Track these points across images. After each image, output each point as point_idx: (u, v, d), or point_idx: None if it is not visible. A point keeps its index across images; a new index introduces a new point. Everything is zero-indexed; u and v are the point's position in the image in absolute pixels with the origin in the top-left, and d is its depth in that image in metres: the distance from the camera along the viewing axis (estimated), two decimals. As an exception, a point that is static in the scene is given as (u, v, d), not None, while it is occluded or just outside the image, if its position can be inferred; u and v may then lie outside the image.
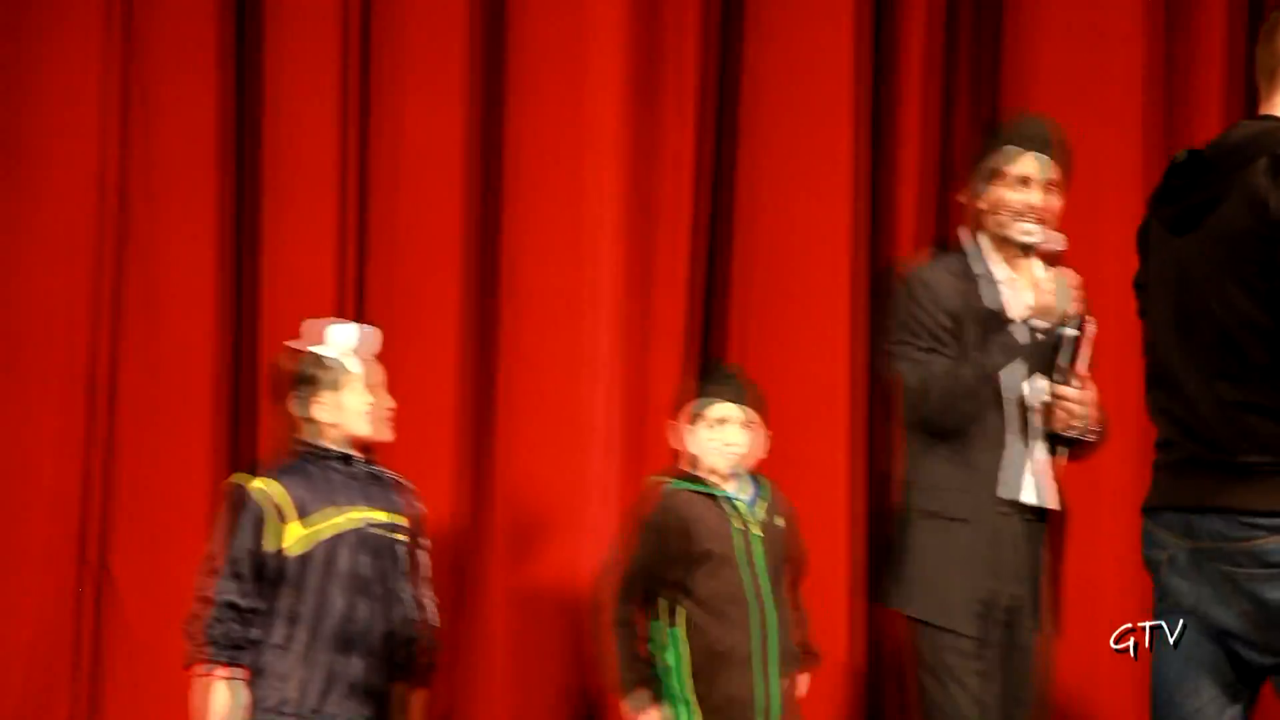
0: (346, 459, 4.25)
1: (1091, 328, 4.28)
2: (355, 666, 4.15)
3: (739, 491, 4.37)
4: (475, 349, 5.46)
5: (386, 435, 4.32)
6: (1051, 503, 4.31)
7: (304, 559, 4.13)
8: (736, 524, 4.33)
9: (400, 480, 4.37)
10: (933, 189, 5.49)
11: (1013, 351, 4.21)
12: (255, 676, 4.13)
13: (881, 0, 5.53)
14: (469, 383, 5.45)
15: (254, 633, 4.11)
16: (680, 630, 4.30)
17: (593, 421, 5.33)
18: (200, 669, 4.16)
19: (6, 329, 5.36)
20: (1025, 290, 4.28)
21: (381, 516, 4.25)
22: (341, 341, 4.32)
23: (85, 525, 5.38)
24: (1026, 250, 4.27)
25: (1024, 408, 4.29)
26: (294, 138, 5.41)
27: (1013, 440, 4.27)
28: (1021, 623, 4.29)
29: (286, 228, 5.42)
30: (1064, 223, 5.22)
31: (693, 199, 5.46)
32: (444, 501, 5.34)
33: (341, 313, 5.44)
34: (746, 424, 4.37)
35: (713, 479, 4.36)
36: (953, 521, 4.25)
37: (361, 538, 4.20)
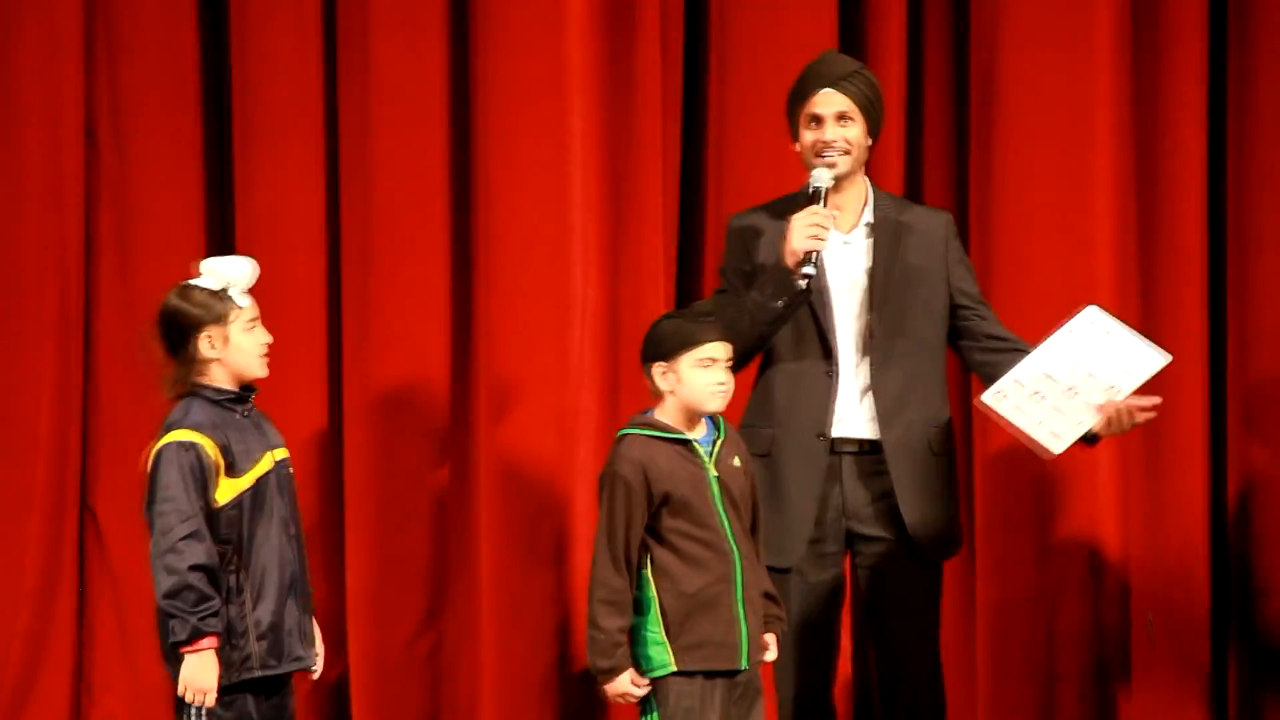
0: (240, 399, 4.10)
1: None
2: (298, 607, 4.09)
3: (695, 433, 4.32)
4: (460, 287, 5.44)
5: (264, 372, 4.12)
6: (872, 434, 4.33)
7: (237, 508, 4.01)
8: (695, 467, 4.27)
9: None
10: (901, 125, 5.41)
11: (784, 291, 4.17)
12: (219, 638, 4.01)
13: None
14: (456, 319, 5.46)
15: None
16: (648, 573, 4.26)
17: (569, 359, 5.33)
18: (196, 643, 3.92)
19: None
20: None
21: (281, 453, 4.14)
22: (228, 275, 4.05)
23: (66, 469, 5.42)
24: (814, 195, 4.24)
25: (828, 345, 4.30)
26: (266, 76, 5.42)
27: (818, 376, 4.31)
28: (869, 553, 4.39)
29: (262, 168, 5.42)
30: (1041, 158, 5.18)
31: (671, 133, 5.42)
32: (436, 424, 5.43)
33: (318, 251, 5.48)
34: (729, 362, 4.31)
35: (671, 422, 4.29)
36: (757, 459, 4.35)
37: (276, 478, 4.08)
